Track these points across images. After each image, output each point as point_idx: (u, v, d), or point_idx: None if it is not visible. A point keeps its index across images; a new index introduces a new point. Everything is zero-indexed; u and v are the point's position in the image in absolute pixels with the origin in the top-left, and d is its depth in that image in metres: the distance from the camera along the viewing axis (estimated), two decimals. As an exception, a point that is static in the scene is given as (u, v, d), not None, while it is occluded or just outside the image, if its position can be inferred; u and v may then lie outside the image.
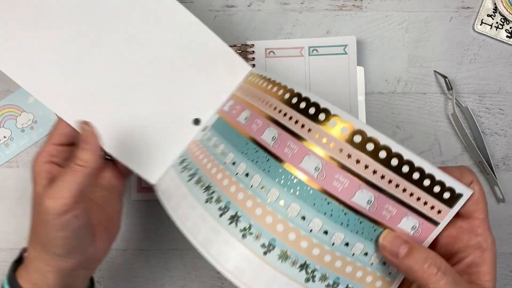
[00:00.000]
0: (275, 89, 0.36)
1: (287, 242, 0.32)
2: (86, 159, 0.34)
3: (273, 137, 0.34)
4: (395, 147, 0.32)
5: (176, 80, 0.40)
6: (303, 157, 0.32)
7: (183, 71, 0.41)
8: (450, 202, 0.33)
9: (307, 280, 0.32)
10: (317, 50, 0.50)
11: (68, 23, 0.38)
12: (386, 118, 0.52)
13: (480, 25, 0.51)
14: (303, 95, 0.34)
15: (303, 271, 0.32)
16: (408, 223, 0.33)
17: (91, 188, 0.40)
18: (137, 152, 0.40)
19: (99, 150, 0.35)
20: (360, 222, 0.32)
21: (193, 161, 0.38)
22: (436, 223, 0.34)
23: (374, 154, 0.32)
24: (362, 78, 0.50)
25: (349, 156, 0.32)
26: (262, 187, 0.33)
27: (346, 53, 0.50)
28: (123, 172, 0.42)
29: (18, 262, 0.38)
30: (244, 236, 0.32)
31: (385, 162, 0.32)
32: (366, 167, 0.32)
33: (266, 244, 0.32)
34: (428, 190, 0.33)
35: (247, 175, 0.34)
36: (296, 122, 0.33)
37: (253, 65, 0.50)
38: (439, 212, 0.33)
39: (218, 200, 0.34)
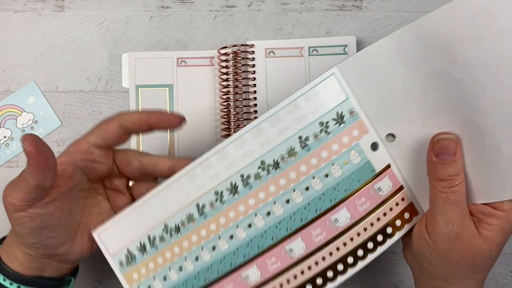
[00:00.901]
0: None
1: None
2: (33, 176, 0.33)
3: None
4: None
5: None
6: None
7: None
8: None
9: None
10: (317, 50, 0.50)
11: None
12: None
13: None
14: None
15: None
16: None
17: (97, 198, 0.40)
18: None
19: (44, 174, 0.33)
20: None
21: None
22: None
23: None
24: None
25: None
26: None
27: (346, 53, 0.50)
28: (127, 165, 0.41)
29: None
30: None
31: None
32: None
33: None
34: None
35: None
36: None
37: (253, 65, 0.50)
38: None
39: None
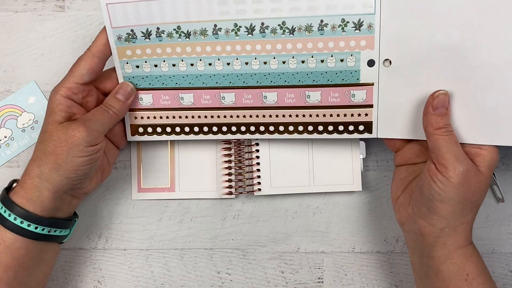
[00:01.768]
0: None
1: None
2: (119, 109, 0.44)
3: None
4: None
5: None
6: None
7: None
8: None
9: None
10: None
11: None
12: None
13: None
14: None
15: None
16: None
17: None
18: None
19: (129, 107, 0.45)
20: None
21: None
22: None
23: None
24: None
25: None
26: None
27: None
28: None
29: (8, 189, 0.43)
30: None
31: None
32: None
33: None
34: None
35: None
36: None
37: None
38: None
39: None
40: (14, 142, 0.51)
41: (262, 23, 0.42)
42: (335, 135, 0.46)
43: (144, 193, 0.51)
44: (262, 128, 0.46)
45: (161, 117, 0.47)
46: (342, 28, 0.41)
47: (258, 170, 0.50)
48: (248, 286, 0.51)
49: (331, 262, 0.51)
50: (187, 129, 0.47)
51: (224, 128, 0.47)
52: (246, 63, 0.43)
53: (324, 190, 0.50)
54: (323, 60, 0.42)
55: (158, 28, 0.43)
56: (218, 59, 0.44)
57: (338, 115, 0.45)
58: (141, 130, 0.48)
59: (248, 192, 0.50)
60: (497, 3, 0.38)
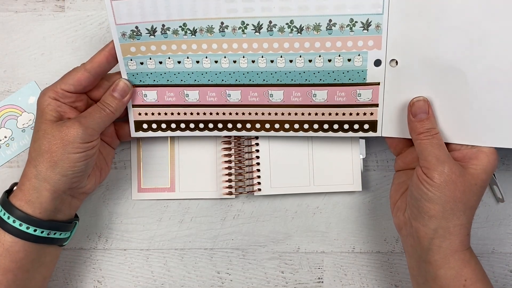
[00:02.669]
0: None
1: None
2: (115, 107, 0.44)
3: None
4: None
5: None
6: None
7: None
8: None
9: None
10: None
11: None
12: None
13: None
14: None
15: None
16: None
17: None
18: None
19: (126, 105, 0.45)
20: None
21: None
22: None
23: None
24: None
25: None
26: None
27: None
28: (123, 133, 0.49)
29: (9, 192, 0.43)
30: None
31: None
32: None
33: None
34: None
35: None
36: None
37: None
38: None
39: None
40: (14, 142, 0.51)
41: (270, 22, 0.42)
42: (340, 133, 0.46)
43: (144, 193, 0.51)
44: (267, 126, 0.46)
45: (165, 114, 0.47)
46: (351, 28, 0.41)
47: (258, 170, 0.50)
48: (248, 286, 0.51)
49: (331, 262, 0.51)
50: (192, 125, 0.47)
51: (230, 125, 0.47)
52: (253, 61, 0.43)
53: (324, 190, 0.50)
54: (331, 60, 0.43)
55: (163, 25, 0.42)
56: (225, 57, 0.43)
57: (343, 114, 0.45)
58: (145, 126, 0.48)
59: (248, 192, 0.50)
60: (504, 7, 0.38)
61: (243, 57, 0.43)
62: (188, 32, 0.42)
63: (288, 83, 0.44)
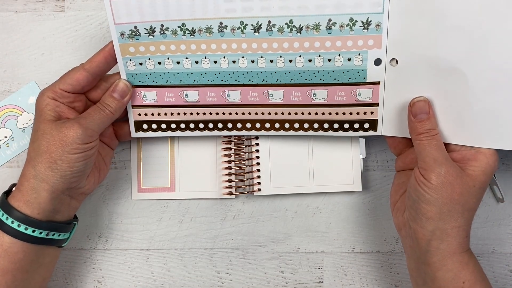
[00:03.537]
0: None
1: None
2: (115, 108, 0.44)
3: None
4: None
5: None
6: None
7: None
8: None
9: None
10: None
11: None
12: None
13: None
14: None
15: None
16: None
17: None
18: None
19: (125, 105, 0.45)
20: None
21: None
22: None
23: None
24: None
25: None
26: None
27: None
28: (122, 133, 0.49)
29: (7, 193, 0.43)
30: None
31: None
32: None
33: None
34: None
35: None
36: None
37: None
38: None
39: None
40: (14, 142, 0.51)
41: (269, 21, 0.42)
42: (340, 133, 0.46)
43: (144, 193, 0.51)
44: (267, 125, 0.46)
45: (165, 114, 0.47)
46: (350, 27, 0.41)
47: (258, 170, 0.50)
48: (248, 286, 0.51)
49: (331, 262, 0.51)
50: (192, 125, 0.47)
51: (230, 125, 0.47)
52: (252, 61, 0.43)
53: (324, 190, 0.50)
54: (331, 59, 0.43)
55: (162, 25, 0.42)
56: (224, 57, 0.43)
57: (344, 113, 0.45)
58: (145, 126, 0.48)
59: (248, 192, 0.50)
60: (505, 7, 0.38)
61: (243, 57, 0.43)
62: (187, 32, 0.42)
63: (288, 83, 0.44)
